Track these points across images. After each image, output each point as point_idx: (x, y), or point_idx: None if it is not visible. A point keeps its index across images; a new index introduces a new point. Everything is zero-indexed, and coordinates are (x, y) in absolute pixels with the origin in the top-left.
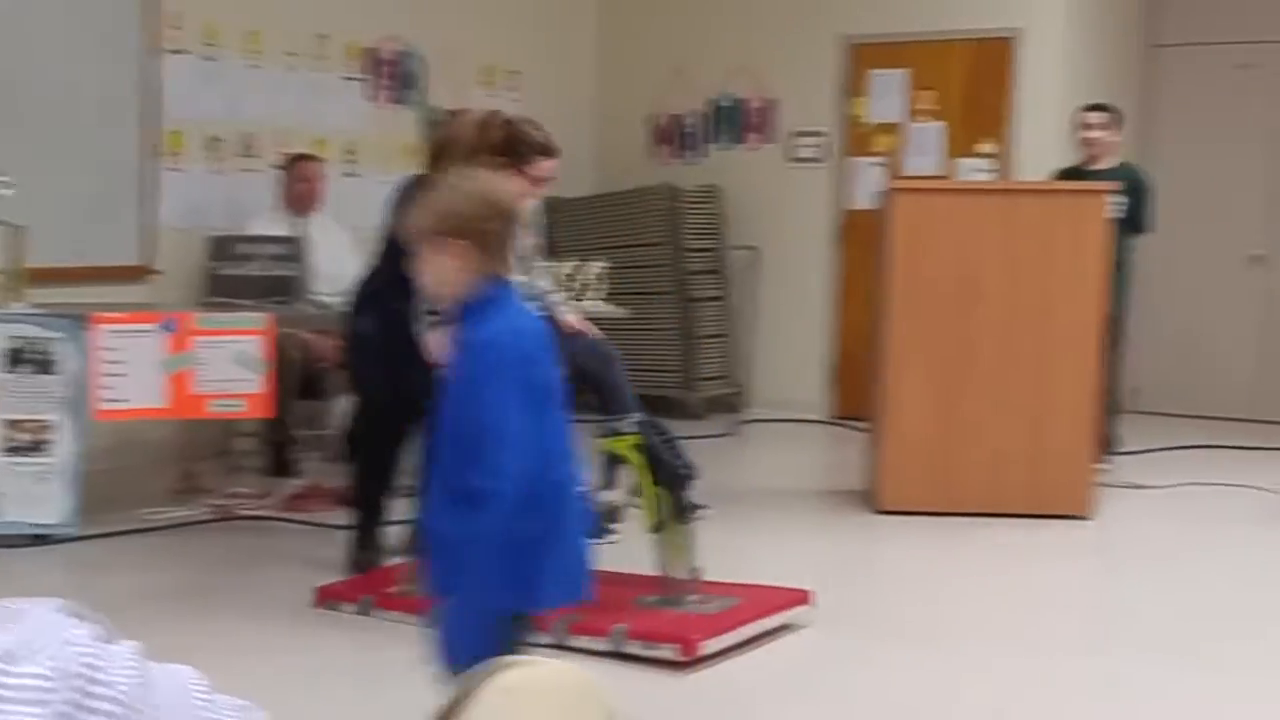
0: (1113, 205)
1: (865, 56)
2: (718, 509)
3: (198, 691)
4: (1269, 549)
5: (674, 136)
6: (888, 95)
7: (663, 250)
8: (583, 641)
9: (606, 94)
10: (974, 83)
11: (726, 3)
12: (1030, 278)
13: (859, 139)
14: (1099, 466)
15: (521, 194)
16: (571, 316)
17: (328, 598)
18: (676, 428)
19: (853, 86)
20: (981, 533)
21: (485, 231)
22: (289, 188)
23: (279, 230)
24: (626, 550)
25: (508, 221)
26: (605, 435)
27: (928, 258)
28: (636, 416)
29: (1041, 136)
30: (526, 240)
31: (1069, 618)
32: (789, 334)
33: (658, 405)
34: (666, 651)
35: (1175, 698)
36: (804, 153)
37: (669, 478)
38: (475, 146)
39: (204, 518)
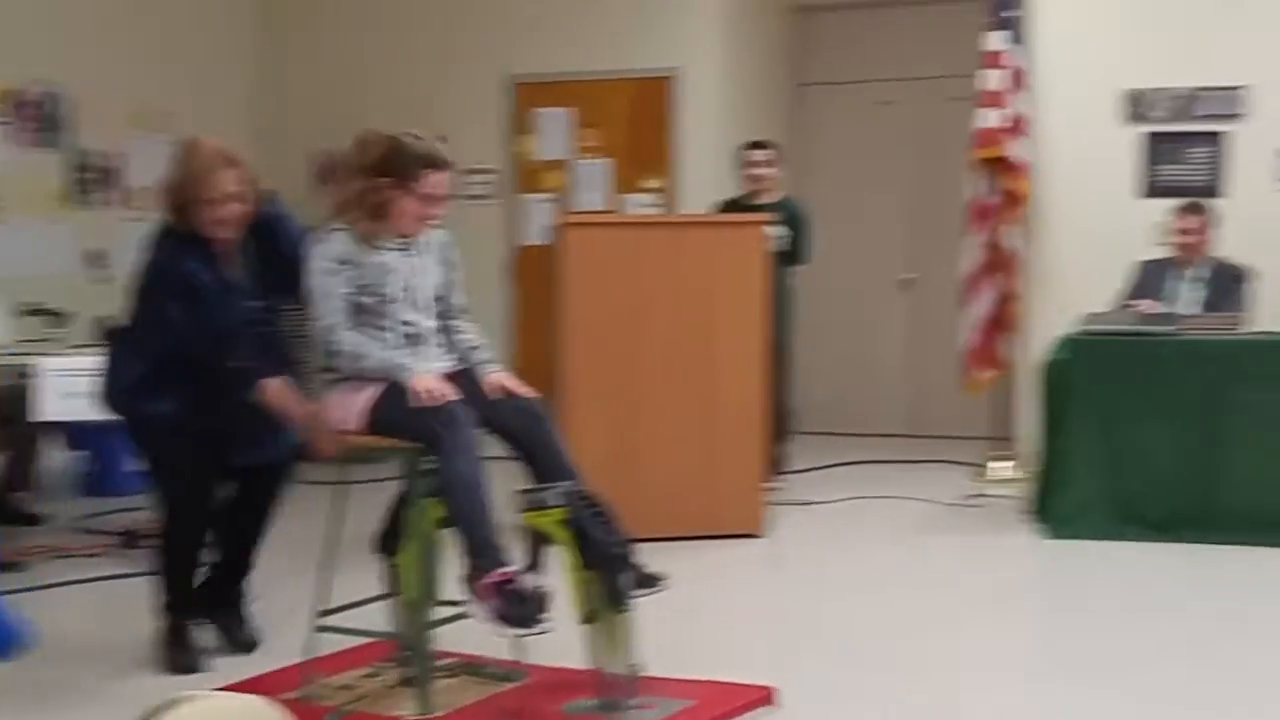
0: (774, 237)
1: (530, 95)
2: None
3: None
4: (933, 554)
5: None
6: (554, 133)
7: None
8: None
9: (265, 133)
10: (636, 120)
11: (389, 41)
12: (696, 307)
13: (528, 176)
14: (770, 486)
15: (415, 216)
16: (499, 375)
17: None
18: (362, 471)
19: (519, 125)
20: (660, 556)
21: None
22: None
23: None
24: (560, 642)
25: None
26: (529, 508)
27: (599, 290)
28: (565, 486)
29: (702, 171)
30: (454, 278)
31: (749, 633)
32: None
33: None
34: None
35: (855, 703)
36: (474, 190)
37: (601, 558)
38: (355, 168)
39: None
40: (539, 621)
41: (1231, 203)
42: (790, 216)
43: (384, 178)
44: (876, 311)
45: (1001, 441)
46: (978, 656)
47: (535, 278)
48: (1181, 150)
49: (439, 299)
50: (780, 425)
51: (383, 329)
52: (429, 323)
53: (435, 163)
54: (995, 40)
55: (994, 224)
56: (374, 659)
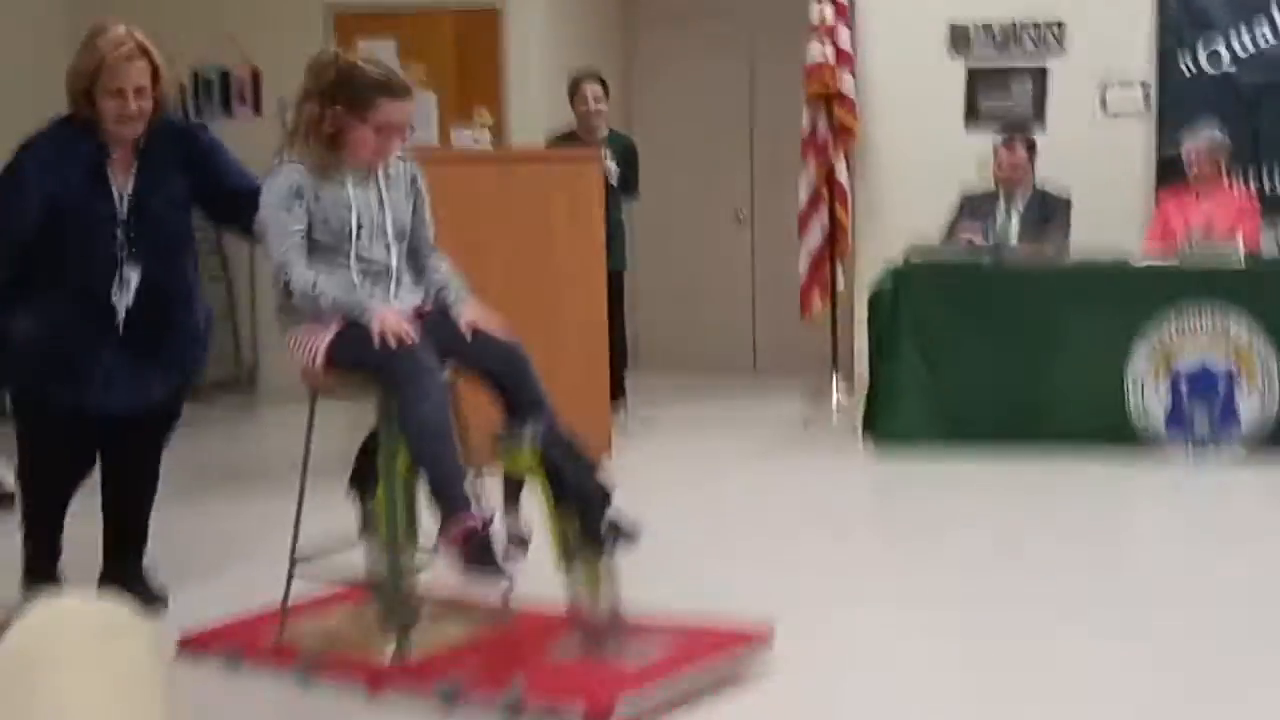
0: (606, 170)
1: (351, 26)
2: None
3: None
4: (770, 474)
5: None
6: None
7: None
8: (474, 704)
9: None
10: (464, 54)
11: None
12: (532, 240)
13: None
14: (614, 411)
15: (370, 148)
16: (474, 312)
17: (191, 647)
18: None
19: None
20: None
21: None
22: None
23: None
24: (545, 582)
25: None
26: (504, 449)
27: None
28: (540, 427)
29: (533, 105)
30: (423, 215)
31: None
32: None
33: None
34: (571, 713)
35: (709, 594)
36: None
37: (577, 499)
38: (307, 93)
39: None
40: (505, 573)
41: (1053, 135)
42: (621, 150)
43: (337, 105)
44: (714, 244)
45: (835, 367)
46: (810, 565)
47: None
48: (1004, 81)
49: (404, 233)
50: (619, 353)
51: (343, 265)
52: (393, 259)
53: (393, 90)
54: None
55: (825, 156)
56: (357, 600)
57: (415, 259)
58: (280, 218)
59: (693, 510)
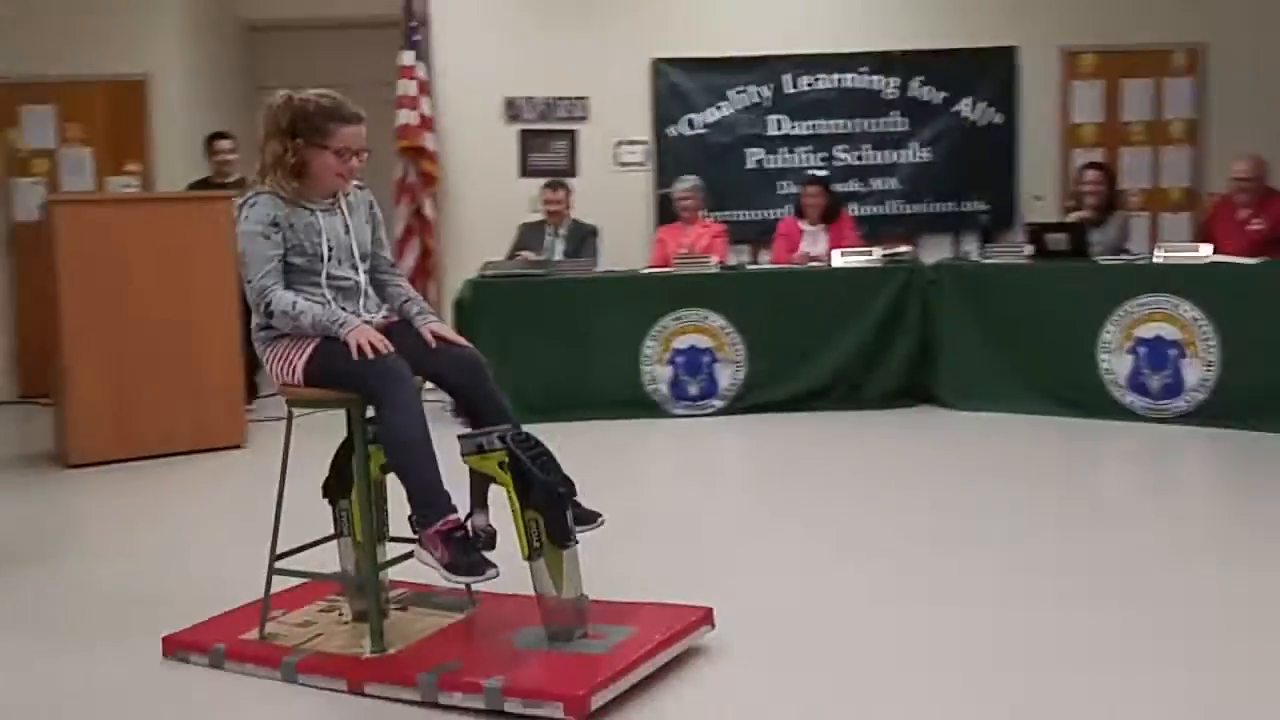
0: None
1: (16, 95)
2: None
3: None
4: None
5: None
6: (40, 127)
7: None
8: (455, 699)
9: None
10: (116, 115)
11: None
12: (176, 266)
13: (19, 164)
14: (248, 408)
15: (334, 172)
16: (436, 325)
17: (176, 647)
18: None
19: (6, 119)
20: (158, 469)
21: None
22: None
23: None
24: (508, 573)
25: None
26: (470, 452)
27: (88, 257)
28: (503, 430)
29: (174, 157)
30: (379, 237)
31: (247, 516)
32: None
33: None
34: (551, 710)
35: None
36: None
37: (543, 497)
38: (269, 133)
39: None
40: (486, 568)
41: (583, 180)
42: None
43: (297, 139)
44: None
45: None
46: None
47: (31, 250)
48: (547, 141)
49: (368, 254)
50: (252, 358)
51: (316, 285)
52: (360, 277)
53: (345, 117)
54: (407, 57)
55: (415, 197)
56: (326, 594)
57: (375, 275)
58: (259, 245)
59: (313, 478)
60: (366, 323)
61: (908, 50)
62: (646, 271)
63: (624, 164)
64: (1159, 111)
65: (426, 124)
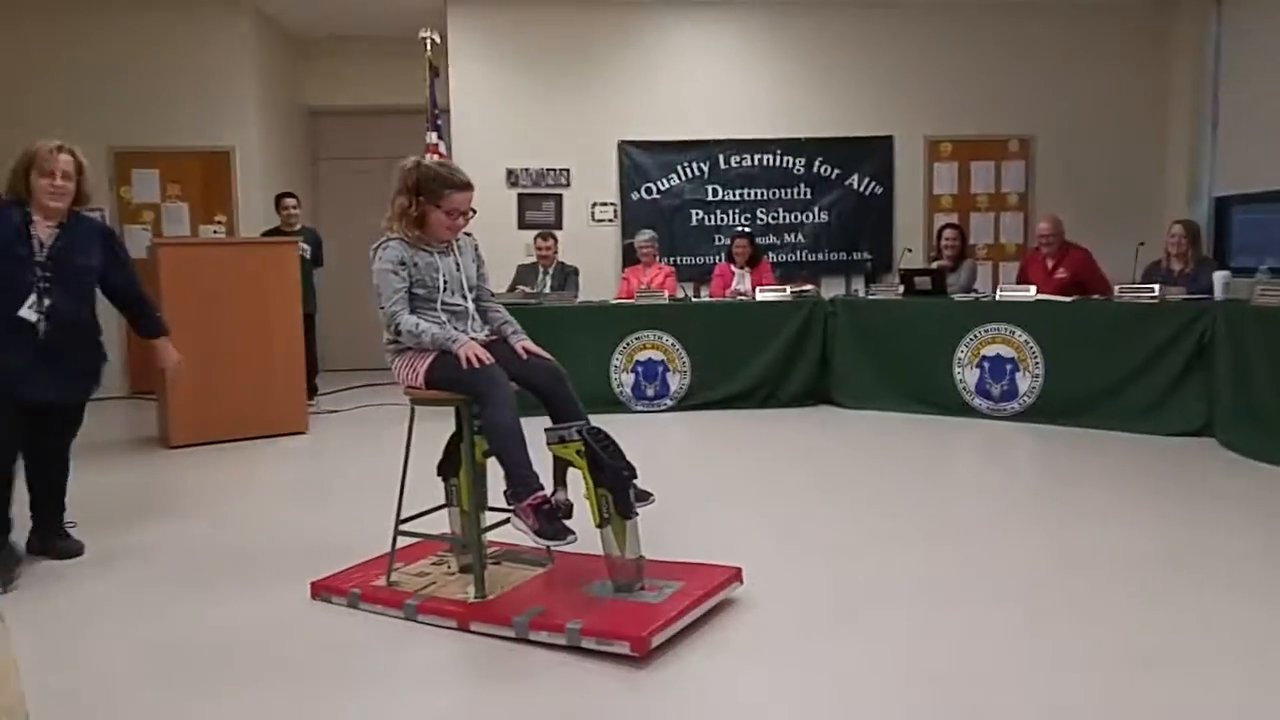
0: (301, 250)
1: (128, 160)
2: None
3: None
4: (419, 434)
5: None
6: (146, 185)
7: None
8: (542, 636)
9: None
10: (207, 177)
11: (10, 111)
12: (253, 295)
13: (130, 213)
14: (309, 403)
15: (444, 226)
16: (527, 342)
17: (321, 590)
18: None
19: (120, 179)
20: (241, 450)
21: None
22: None
23: None
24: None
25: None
26: (554, 442)
27: (187, 286)
28: (580, 425)
29: (254, 211)
30: (483, 273)
31: (307, 481)
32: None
33: None
34: (620, 647)
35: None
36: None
37: (612, 479)
38: (399, 189)
39: None
40: (567, 534)
41: (566, 232)
42: (311, 239)
43: (420, 197)
44: (372, 294)
45: None
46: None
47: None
48: (539, 202)
49: (474, 287)
50: (311, 365)
51: (434, 310)
52: (468, 304)
53: (456, 185)
54: (431, 137)
55: None
56: (437, 551)
57: (480, 304)
58: (389, 279)
59: (362, 455)
60: (473, 340)
61: (812, 137)
62: (615, 302)
63: (597, 220)
64: (999, 186)
65: None
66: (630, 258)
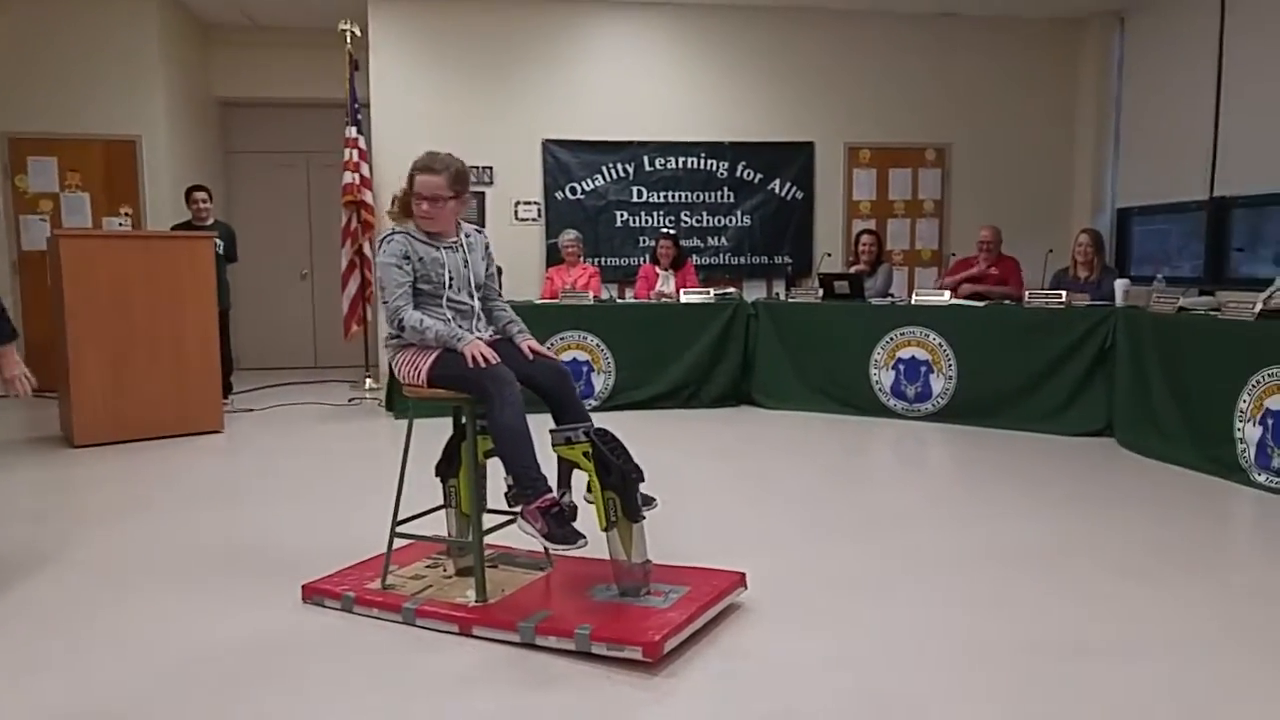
0: (216, 245)
1: (25, 148)
2: None
3: None
4: (329, 433)
5: None
6: (44, 174)
7: None
8: (550, 641)
9: None
10: (111, 166)
11: None
12: (165, 289)
13: (25, 202)
14: (224, 401)
15: (420, 212)
16: (533, 342)
17: (313, 594)
18: None
19: (16, 168)
20: (154, 449)
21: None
22: None
23: None
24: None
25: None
26: (560, 444)
27: (89, 280)
28: (586, 426)
29: (163, 203)
30: (492, 272)
31: (222, 485)
32: None
33: None
34: (631, 653)
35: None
36: None
37: (620, 481)
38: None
39: None
40: (577, 538)
41: (489, 230)
42: (224, 233)
43: (406, 185)
44: (289, 292)
45: (367, 368)
46: (360, 495)
47: (38, 274)
48: None
49: (481, 285)
50: (226, 363)
51: (439, 306)
52: (474, 302)
53: (420, 167)
54: (351, 131)
55: (356, 239)
56: (430, 553)
57: (485, 302)
58: (392, 274)
59: (278, 454)
60: (478, 338)
61: (735, 141)
62: (540, 302)
63: (521, 219)
64: (915, 192)
65: (366, 183)
66: (554, 257)
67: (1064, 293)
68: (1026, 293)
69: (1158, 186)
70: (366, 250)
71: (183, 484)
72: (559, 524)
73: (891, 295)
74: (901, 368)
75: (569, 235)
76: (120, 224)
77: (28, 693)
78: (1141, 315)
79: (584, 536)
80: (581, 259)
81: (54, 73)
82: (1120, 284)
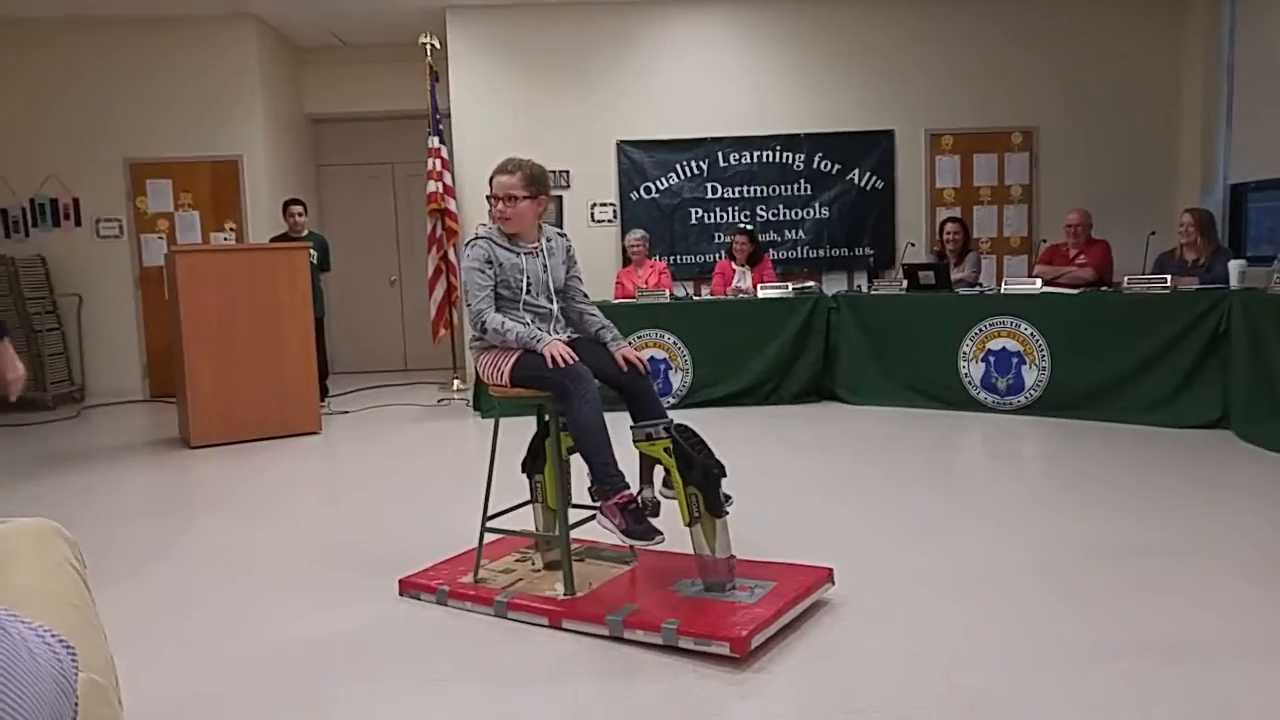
0: (311, 256)
1: (142, 170)
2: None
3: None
4: (422, 433)
5: (3, 225)
6: (160, 196)
7: (7, 300)
8: (637, 635)
9: None
10: (217, 186)
11: (34, 125)
12: (266, 299)
13: (145, 222)
14: (321, 403)
15: (495, 212)
16: (626, 351)
17: (409, 588)
18: (31, 418)
19: (136, 189)
20: (259, 449)
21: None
22: None
23: None
24: (666, 533)
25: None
26: (641, 440)
27: (201, 292)
28: (666, 422)
29: (261, 217)
30: (575, 275)
31: (323, 484)
32: (112, 347)
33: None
34: (719, 648)
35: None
36: (105, 231)
37: (702, 477)
38: None
39: None
40: (654, 534)
41: (567, 233)
42: (318, 244)
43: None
44: (378, 298)
45: (455, 369)
46: (451, 491)
47: (157, 287)
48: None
49: (561, 290)
50: (323, 367)
51: (518, 309)
52: (552, 305)
53: (497, 169)
54: (434, 141)
55: (441, 246)
56: (519, 547)
57: (570, 304)
58: (475, 277)
59: (377, 455)
60: (556, 338)
61: (811, 133)
62: (617, 302)
63: (597, 220)
64: (1002, 178)
65: (449, 191)
66: (630, 258)
67: (1169, 277)
68: (1125, 278)
69: (1276, 159)
70: (451, 256)
71: (286, 483)
72: (637, 520)
73: (980, 285)
74: (992, 359)
75: (635, 234)
76: (225, 239)
77: (143, 674)
78: (1260, 298)
79: (661, 533)
80: (649, 257)
81: (165, 100)
82: (1235, 265)
